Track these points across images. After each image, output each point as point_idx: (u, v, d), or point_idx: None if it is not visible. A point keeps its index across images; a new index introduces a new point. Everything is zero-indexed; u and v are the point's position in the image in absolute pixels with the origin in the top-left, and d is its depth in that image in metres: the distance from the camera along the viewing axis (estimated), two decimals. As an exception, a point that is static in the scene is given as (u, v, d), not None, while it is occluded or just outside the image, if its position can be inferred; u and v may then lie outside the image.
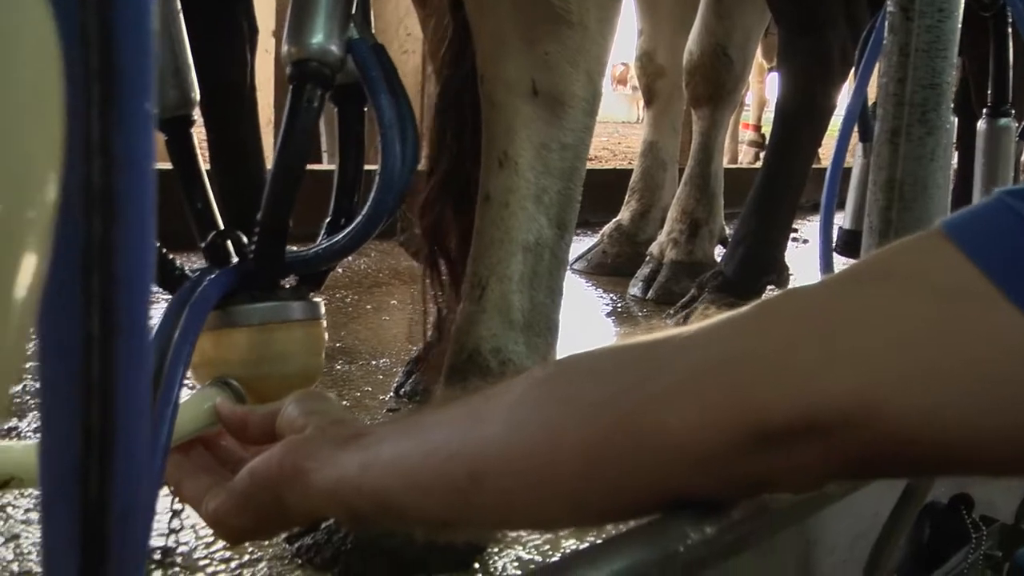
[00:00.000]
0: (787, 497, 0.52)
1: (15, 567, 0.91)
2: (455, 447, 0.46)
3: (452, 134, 1.16)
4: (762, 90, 6.61)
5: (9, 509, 1.00)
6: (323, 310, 0.77)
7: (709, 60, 2.26)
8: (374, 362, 1.64)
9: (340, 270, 2.32)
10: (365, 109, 0.79)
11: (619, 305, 2.31)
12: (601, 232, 2.70)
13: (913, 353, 0.39)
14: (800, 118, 2.06)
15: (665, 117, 2.63)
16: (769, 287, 2.15)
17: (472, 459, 0.45)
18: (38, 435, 0.29)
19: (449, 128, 1.18)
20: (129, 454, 0.29)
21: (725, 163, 2.56)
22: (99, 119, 0.25)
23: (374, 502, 0.48)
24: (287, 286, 0.76)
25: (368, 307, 2.09)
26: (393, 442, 0.49)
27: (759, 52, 4.55)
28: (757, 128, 6.45)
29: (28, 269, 0.19)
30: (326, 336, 0.77)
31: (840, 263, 1.53)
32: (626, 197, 2.69)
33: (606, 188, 3.29)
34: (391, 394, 1.46)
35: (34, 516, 1.00)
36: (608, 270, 2.60)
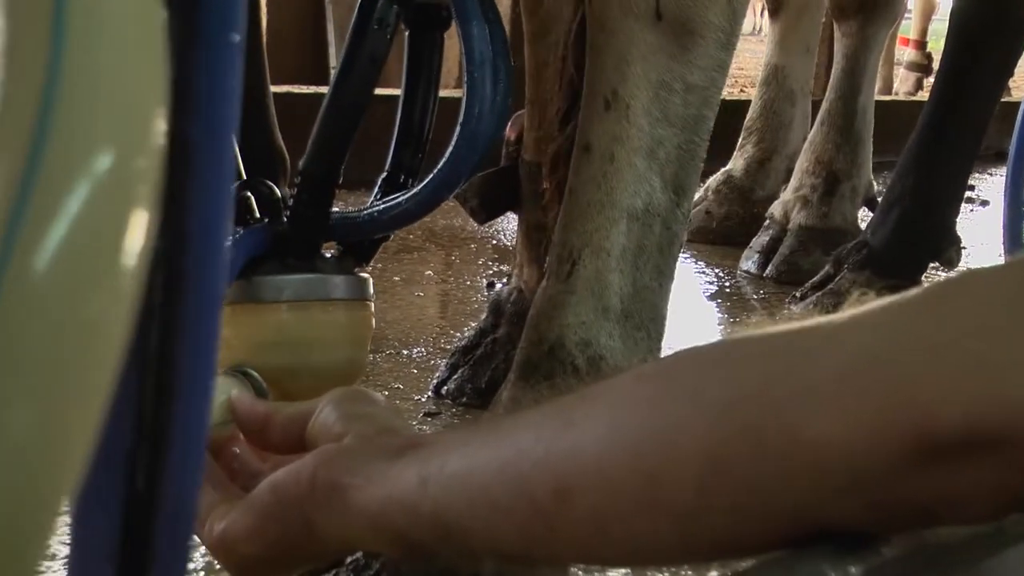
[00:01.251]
0: (955, 532, 0.54)
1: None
2: (538, 455, 0.49)
3: None
4: (929, -7, 6.52)
5: None
6: (372, 289, 0.81)
7: (859, -44, 2.27)
8: (405, 351, 1.70)
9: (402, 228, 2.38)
10: (443, 37, 0.83)
11: (727, 284, 2.33)
12: (705, 186, 2.72)
13: None
14: (984, 34, 2.05)
15: (796, 33, 2.63)
16: (932, 266, 2.15)
17: (559, 470, 0.48)
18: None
19: None
20: (186, 444, 0.33)
21: (876, 94, 2.56)
22: (179, 56, 0.29)
23: (433, 526, 0.51)
24: (328, 256, 0.80)
25: (396, 279, 2.15)
26: (463, 451, 0.52)
27: (927, -58, 4.49)
28: (921, 45, 6.36)
29: (138, 230, 0.23)
30: (374, 322, 0.81)
31: (1031, 235, 1.53)
32: (740, 139, 2.70)
33: (714, 126, 3.27)
34: (429, 393, 1.52)
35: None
36: (714, 236, 2.62)
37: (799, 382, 0.45)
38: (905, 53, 6.42)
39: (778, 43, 2.66)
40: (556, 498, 0.48)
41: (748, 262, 2.41)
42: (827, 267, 2.16)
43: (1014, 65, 2.16)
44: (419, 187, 0.80)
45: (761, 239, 2.42)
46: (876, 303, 0.48)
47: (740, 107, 2.80)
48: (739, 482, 0.45)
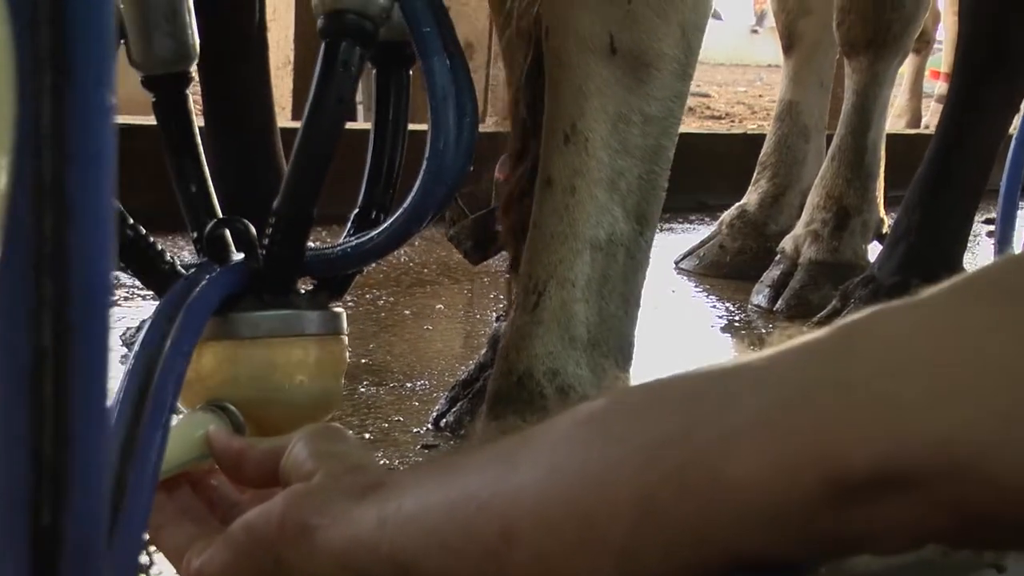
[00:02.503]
0: (879, 560, 0.57)
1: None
2: (484, 498, 0.51)
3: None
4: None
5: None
6: (345, 324, 0.83)
7: (869, -8, 2.29)
8: (409, 384, 1.72)
9: (373, 263, 2.41)
10: (410, 73, 0.86)
11: (737, 318, 2.35)
12: (720, 219, 2.74)
13: None
14: (989, 69, 2.06)
15: (809, 68, 2.66)
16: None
17: (504, 513, 0.50)
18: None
19: (541, 104, 1.23)
20: (86, 482, 0.35)
21: (904, 126, 2.56)
22: (50, 109, 0.31)
23: (392, 565, 0.53)
24: (302, 291, 0.82)
25: (406, 312, 2.18)
26: (417, 492, 0.54)
27: (951, -24, 4.50)
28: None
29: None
30: (347, 355, 0.83)
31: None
32: (754, 174, 2.72)
33: (732, 160, 3.27)
34: (428, 426, 1.54)
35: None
36: (726, 270, 2.64)
37: (721, 426, 0.47)
38: (936, 86, 6.40)
39: (792, 79, 2.68)
40: (503, 539, 0.50)
41: (759, 296, 2.42)
42: (834, 301, 2.18)
43: (1020, 101, 2.17)
44: (388, 222, 0.82)
45: (772, 273, 2.43)
46: (794, 342, 0.51)
47: (761, 141, 2.81)
48: (669, 521, 0.47)
